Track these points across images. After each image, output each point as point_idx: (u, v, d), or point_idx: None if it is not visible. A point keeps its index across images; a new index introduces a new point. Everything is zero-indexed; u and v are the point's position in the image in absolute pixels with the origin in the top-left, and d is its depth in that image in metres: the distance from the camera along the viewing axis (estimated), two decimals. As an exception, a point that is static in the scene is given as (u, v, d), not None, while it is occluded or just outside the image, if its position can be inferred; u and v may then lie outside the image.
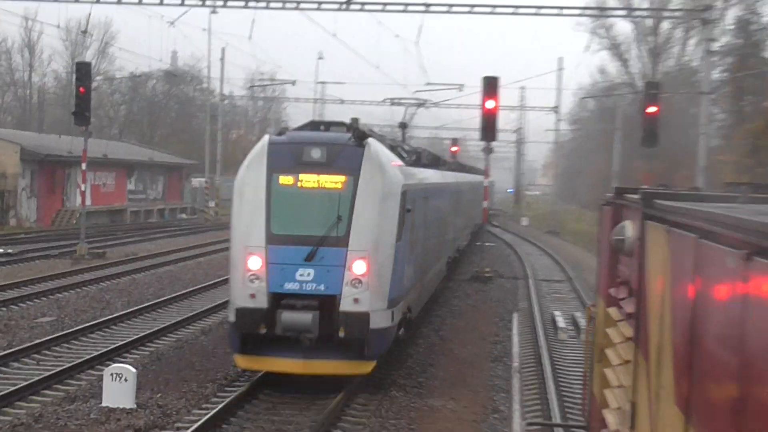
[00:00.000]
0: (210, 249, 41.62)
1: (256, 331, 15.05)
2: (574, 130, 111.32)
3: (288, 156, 15.77)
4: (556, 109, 72.72)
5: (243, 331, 15.27)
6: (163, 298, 25.32)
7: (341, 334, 14.81)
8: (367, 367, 15.15)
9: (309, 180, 15.57)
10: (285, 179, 15.63)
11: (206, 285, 28.57)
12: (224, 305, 24.51)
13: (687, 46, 69.66)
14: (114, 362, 16.53)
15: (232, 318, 15.54)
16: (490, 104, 32.45)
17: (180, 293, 26.50)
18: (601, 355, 6.00)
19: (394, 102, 40.89)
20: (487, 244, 44.95)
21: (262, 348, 15.28)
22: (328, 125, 17.94)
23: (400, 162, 18.34)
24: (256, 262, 15.39)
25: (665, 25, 70.11)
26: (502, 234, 61.10)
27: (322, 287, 15.02)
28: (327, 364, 15.08)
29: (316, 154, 15.65)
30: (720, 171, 47.94)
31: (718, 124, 63.55)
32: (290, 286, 15.07)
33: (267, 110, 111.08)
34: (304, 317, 14.60)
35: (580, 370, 16.05)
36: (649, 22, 69.05)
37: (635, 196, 5.13)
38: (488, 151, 34.88)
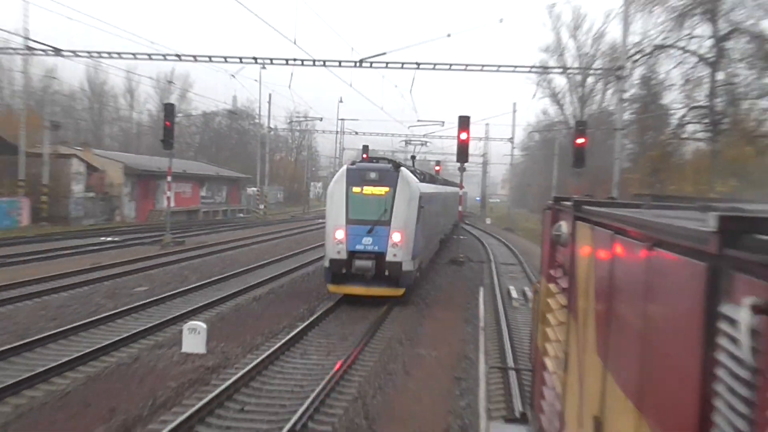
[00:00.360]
0: (260, 239, 41.63)
1: (340, 271, 20.16)
2: (524, 155, 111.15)
3: (357, 176, 20.80)
4: (511, 139, 72.80)
5: (333, 271, 20.25)
6: (225, 275, 25.34)
7: (386, 273, 20.06)
8: (400, 292, 20.33)
9: (369, 190, 20.67)
10: (356, 189, 20.64)
11: (257, 265, 28.58)
12: (270, 280, 24.59)
13: (606, 95, 69.56)
14: (190, 320, 16.57)
15: (326, 264, 20.38)
16: (463, 136, 32.42)
17: (237, 271, 26.52)
18: (543, 317, 6.01)
19: (408, 141, 47.45)
20: (461, 237, 45.00)
21: (343, 281, 20.31)
22: (378, 159, 23.66)
23: (416, 180, 22.93)
24: (340, 234, 20.26)
25: (590, 80, 70.03)
26: (472, 230, 61.09)
27: (376, 248, 20.13)
28: (379, 289, 20.22)
29: (372, 175, 20.79)
30: (629, 185, 47.90)
31: (628, 152, 63.38)
32: (359, 247, 20.15)
33: (301, 139, 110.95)
34: (367, 263, 20.01)
35: (528, 328, 16.07)
36: (579, 77, 68.98)
37: (569, 203, 5.14)
38: (462, 169, 34.81)
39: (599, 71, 56.55)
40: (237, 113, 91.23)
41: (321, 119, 78.58)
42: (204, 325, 14.97)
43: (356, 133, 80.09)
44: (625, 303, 3.09)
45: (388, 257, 20.04)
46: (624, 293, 3.12)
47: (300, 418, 10.55)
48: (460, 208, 37.46)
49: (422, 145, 44.36)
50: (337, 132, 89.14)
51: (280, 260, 31.11)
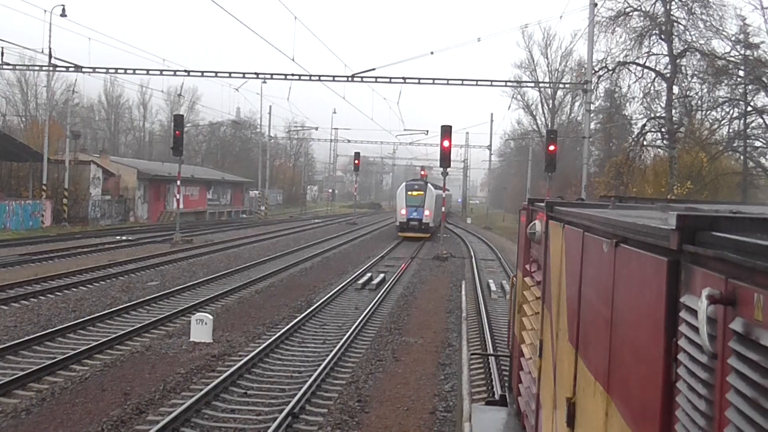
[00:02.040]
0: (261, 238, 41.51)
1: (404, 226, 43.98)
2: (501, 161, 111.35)
3: (410, 187, 45.19)
4: (489, 147, 72.79)
5: (400, 226, 44.49)
6: (229, 270, 25.26)
7: (422, 227, 43.69)
8: (428, 235, 43.06)
9: (415, 193, 44.35)
10: (409, 192, 44.33)
11: (259, 261, 28.51)
12: (271, 275, 24.53)
13: (574, 107, 69.75)
14: (198, 311, 16.50)
15: (397, 224, 45.24)
16: (446, 143, 32.49)
17: (241, 266, 26.44)
18: (519, 308, 6.00)
19: (424, 167, 64.83)
20: (444, 235, 45.06)
21: (404, 230, 43.67)
22: (418, 180, 48.30)
23: (433, 188, 45.70)
24: (403, 211, 43.91)
25: (560, 93, 70.18)
26: (454, 229, 61.15)
27: (418, 217, 43.95)
28: (419, 234, 43.30)
29: (416, 187, 45.23)
30: (596, 188, 47.99)
31: (594, 157, 63.53)
32: (411, 217, 44.06)
33: (299, 146, 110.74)
34: (415, 223, 43.79)
35: (506, 318, 16.08)
36: (549, 90, 69.12)
37: (542, 204, 5.13)
38: (445, 174, 34.87)
39: (568, 85, 56.71)
40: (240, 123, 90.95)
41: (317, 128, 78.69)
42: (210, 317, 14.91)
43: (348, 141, 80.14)
44: (594, 294, 3.08)
45: (424, 221, 44.04)
46: (593, 286, 3.11)
47: (298, 401, 10.51)
48: (443, 209, 37.51)
49: (431, 167, 64.80)
50: (331, 140, 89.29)
51: (280, 257, 31.06)
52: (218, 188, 69.52)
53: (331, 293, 20.88)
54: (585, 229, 3.34)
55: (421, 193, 45.31)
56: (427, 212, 44.83)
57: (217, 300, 19.39)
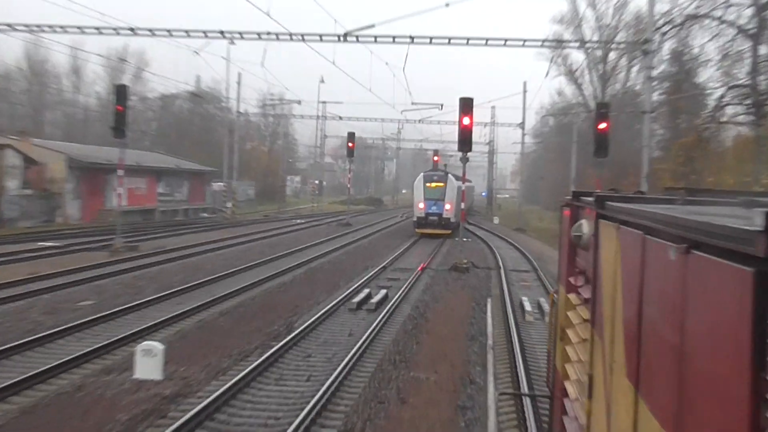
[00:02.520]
0: (228, 243, 41.57)
1: (422, 222, 51.47)
2: (537, 143, 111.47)
3: (428, 178, 52.77)
4: (521, 125, 72.57)
5: (417, 222, 51.95)
6: (187, 285, 25.27)
7: (443, 222, 51.06)
8: (449, 232, 49.72)
9: (434, 184, 51.65)
10: (428, 184, 51.73)
11: (225, 274, 28.53)
12: (241, 291, 24.57)
13: (631, 73, 69.81)
14: (145, 340, 16.50)
15: (414, 219, 52.57)
16: (466, 121, 32.48)
17: (202, 280, 26.46)
18: (562, 334, 5.98)
19: (437, 152, 71.71)
20: (465, 239, 45.10)
21: (422, 227, 51.23)
22: (438, 170, 56.72)
23: (455, 179, 52.15)
24: (421, 205, 51.46)
25: (612, 55, 70.22)
26: (477, 230, 61.18)
27: (438, 211, 51.23)
28: (439, 230, 50.62)
29: (435, 177, 52.85)
30: (660, 178, 48.01)
31: (658, 138, 63.60)
32: (430, 211, 51.40)
33: (276, 125, 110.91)
34: (434, 218, 51.22)
35: (544, 347, 16.07)
36: (599, 52, 69.14)
37: (590, 199, 5.11)
38: (465, 160, 34.87)
39: (622, 45, 56.71)
40: (201, 96, 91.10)
41: (299, 102, 78.68)
42: (161, 346, 14.90)
43: (340, 118, 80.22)
44: (659, 316, 3.07)
45: (444, 215, 50.02)
46: (657, 304, 3.10)
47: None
48: (462, 206, 37.59)
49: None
50: (317, 117, 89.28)
51: (252, 268, 31.08)
52: (172, 179, 69.64)
53: (317, 315, 20.89)
54: (646, 231, 3.33)
55: (441, 184, 52.29)
56: (447, 206, 52.03)
57: (171, 324, 19.40)
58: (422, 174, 54.97)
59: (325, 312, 21.54)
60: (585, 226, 5.18)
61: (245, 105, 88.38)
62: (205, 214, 71.23)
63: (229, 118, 77.58)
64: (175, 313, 20.29)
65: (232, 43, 65.05)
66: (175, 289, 24.29)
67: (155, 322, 19.14)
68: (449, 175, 54.31)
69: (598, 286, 4.51)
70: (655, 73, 39.67)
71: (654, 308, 3.17)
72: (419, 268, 32.64)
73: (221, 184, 73.76)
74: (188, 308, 21.14)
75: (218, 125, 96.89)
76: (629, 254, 3.68)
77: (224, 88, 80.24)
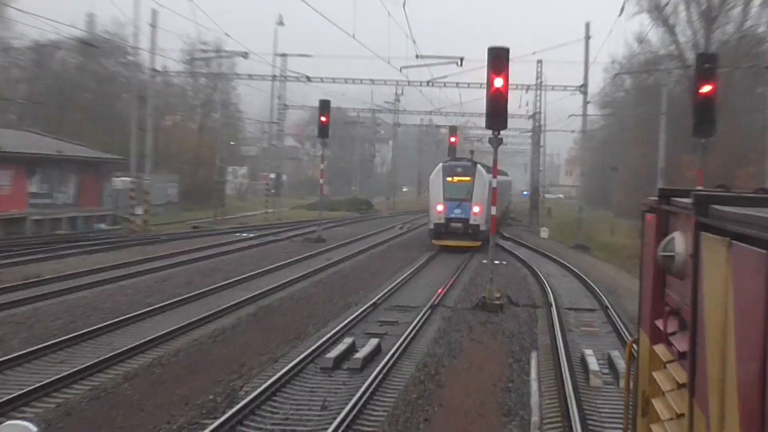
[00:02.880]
0: (136, 269, 41.45)
1: (441, 230, 57.20)
2: (606, 115, 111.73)
3: (450, 170, 58.81)
4: (582, 88, 72.46)
5: (435, 230, 57.63)
6: (74, 333, 25.12)
7: (469, 231, 56.64)
8: (478, 244, 55.21)
9: (457, 179, 57.83)
10: (449, 179, 57.83)
11: (130, 316, 28.39)
12: (156, 342, 24.49)
13: (750, 8, 69.90)
14: (9, 419, 16.40)
15: (431, 226, 58.32)
16: (498, 82, 32.53)
17: (96, 326, 26.32)
18: (645, 406, 5.96)
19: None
20: (502, 262, 45.04)
21: (442, 237, 57.41)
22: (462, 159, 64.25)
23: (485, 171, 55.91)
24: (440, 207, 56.91)
25: (723, -20, 70.31)
26: (515, 249, 61.16)
27: (463, 215, 56.82)
28: (465, 242, 56.45)
29: (459, 169, 58.92)
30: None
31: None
32: (452, 216, 56.83)
33: (211, 90, 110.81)
34: (458, 225, 56.87)
35: (619, 426, 16.05)
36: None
37: (686, 201, 5.10)
38: (496, 142, 34.89)
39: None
40: (95, 45, 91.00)
41: (246, 55, 78.45)
42: (34, 428, 14.81)
43: (308, 78, 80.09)
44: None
45: (471, 221, 54.48)
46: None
47: None
48: (493, 211, 37.52)
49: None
50: (273, 78, 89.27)
51: (174, 306, 31.00)
52: (52, 173, 69.55)
53: (274, 377, 20.83)
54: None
55: (467, 179, 58.04)
56: (476, 208, 57.00)
57: (50, 393, 19.31)
58: (441, 165, 60.17)
59: (286, 372, 21.46)
60: (679, 242, 5.17)
61: (164, 59, 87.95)
62: (103, 226, 71.15)
63: (139, 79, 77.40)
64: (56, 376, 20.19)
65: (144, -36, 65.01)
66: (56, 340, 24.18)
67: (25, 390, 19.05)
68: (478, 165, 58.63)
69: (699, 333, 4.49)
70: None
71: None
72: (439, 291, 37.67)
73: (127, 179, 73.65)
74: (76, 368, 21.04)
75: (122, 90, 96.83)
76: (747, 285, 3.65)
77: (131, 34, 79.97)
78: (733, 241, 3.94)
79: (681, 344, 5.10)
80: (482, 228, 53.69)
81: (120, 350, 23.28)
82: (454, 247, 55.60)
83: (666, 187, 6.02)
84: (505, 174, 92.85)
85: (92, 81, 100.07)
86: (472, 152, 69.89)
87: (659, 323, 5.73)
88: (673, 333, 5.41)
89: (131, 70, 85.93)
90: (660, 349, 5.69)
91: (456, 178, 57.01)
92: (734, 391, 3.73)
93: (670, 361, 5.46)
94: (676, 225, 5.53)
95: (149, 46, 70.37)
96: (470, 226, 56.22)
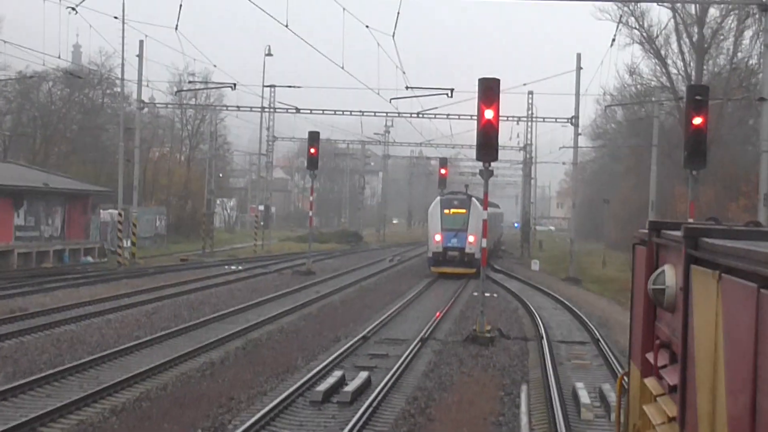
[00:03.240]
0: (123, 302, 41.34)
1: (439, 258, 63.87)
2: (598, 147, 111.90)
3: (447, 203, 66.11)
4: (573, 120, 72.51)
5: (433, 258, 64.42)
6: (60, 368, 25.05)
7: (465, 259, 62.87)
8: (473, 271, 58.71)
9: (453, 211, 64.69)
10: (446, 211, 64.71)
11: (117, 350, 28.31)
12: (144, 376, 24.44)
13: (742, 40, 70.13)
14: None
15: (430, 255, 65.33)
16: (488, 114, 32.57)
17: (82, 361, 26.26)
18: (636, 440, 5.97)
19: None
20: (493, 294, 44.96)
21: (440, 264, 63.92)
22: (458, 192, 72.16)
23: (479, 204, 56.04)
24: (438, 237, 63.64)
25: (714, 13, 70.58)
26: (506, 281, 61.15)
27: (459, 245, 63.63)
28: (461, 269, 62.76)
29: (455, 202, 66.01)
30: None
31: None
32: (449, 245, 63.49)
33: (199, 122, 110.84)
34: (455, 254, 63.66)
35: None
36: (694, 9, 69.54)
37: (677, 233, 5.12)
38: (487, 174, 34.92)
39: (729, -3, 57.15)
40: (81, 76, 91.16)
41: (234, 86, 78.35)
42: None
43: (297, 110, 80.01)
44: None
45: (467, 250, 60.38)
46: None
47: None
48: (484, 243, 37.53)
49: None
50: (262, 109, 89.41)
51: (162, 340, 30.95)
52: (38, 205, 69.43)
53: (263, 412, 20.80)
54: (763, 283, 3.33)
55: (463, 211, 64.88)
56: (471, 238, 63.11)
57: (37, 429, 19.23)
58: (439, 198, 69.09)
59: (275, 406, 21.44)
60: (670, 275, 5.20)
61: (151, 90, 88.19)
62: (90, 258, 71.00)
63: (127, 111, 77.43)
64: (42, 411, 20.12)
65: (132, -5, 65.14)
66: (42, 374, 24.11)
67: (10, 426, 18.94)
68: (473, 199, 65.84)
69: (690, 366, 4.51)
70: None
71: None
72: (437, 315, 41.27)
73: (114, 211, 73.57)
74: (62, 403, 20.98)
75: (109, 121, 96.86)
76: (737, 318, 3.68)
77: (118, 65, 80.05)
78: (724, 275, 3.96)
79: (671, 377, 5.13)
80: (477, 256, 56.15)
81: (107, 384, 23.22)
82: (451, 274, 62.20)
83: (656, 220, 6.04)
84: (497, 206, 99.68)
85: (78, 113, 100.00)
86: (466, 186, 77.38)
87: (650, 356, 5.76)
88: (664, 366, 5.43)
89: (118, 101, 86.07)
90: (650, 382, 5.71)
91: (453, 211, 64.53)
92: (724, 424, 3.75)
93: (660, 395, 5.48)
94: (667, 258, 5.55)
95: (136, 78, 70.30)
96: (466, 255, 62.94)
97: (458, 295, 51.26)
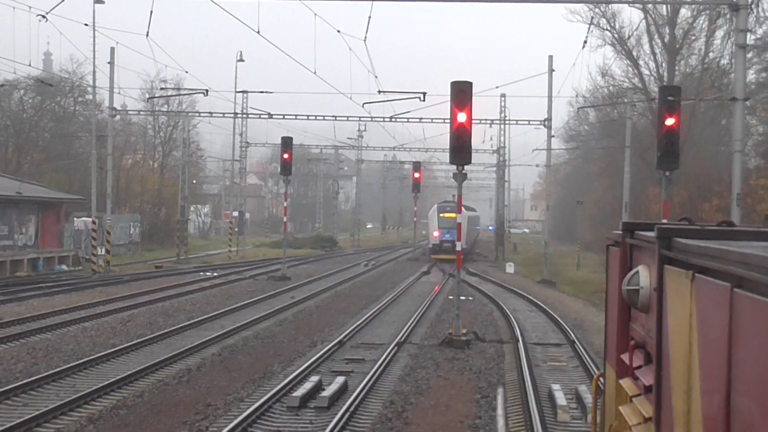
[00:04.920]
0: (98, 310, 41.20)
1: (437, 249, 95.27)
2: (571, 149, 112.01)
3: (442, 209, 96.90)
4: (546, 122, 72.51)
5: (433, 249, 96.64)
6: (36, 376, 24.96)
7: (456, 249, 42.56)
8: (458, 258, 39.18)
9: (447, 215, 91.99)
10: (441, 215, 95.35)
11: (93, 358, 28.23)
12: (120, 384, 24.37)
13: (713, 40, 70.40)
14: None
15: (430, 246, 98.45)
16: (461, 117, 32.54)
17: (59, 369, 26.17)
18: (612, 440, 5.99)
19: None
20: (465, 298, 44.97)
21: (437, 253, 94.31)
22: (449, 201, 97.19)
23: (466, 210, 73.90)
24: (436, 233, 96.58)
25: (685, 13, 70.84)
26: (481, 284, 61.14)
27: (451, 238, 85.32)
28: (452, 256, 71.76)
29: (448, 208, 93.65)
30: (761, 200, 48.37)
31: (758, 138, 64.20)
32: (444, 239, 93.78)
33: (172, 128, 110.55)
34: (448, 245, 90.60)
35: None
36: (665, 8, 69.76)
37: (650, 234, 5.13)
38: (461, 178, 34.92)
39: (700, -2, 57.38)
40: (52, 84, 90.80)
41: (206, 92, 78.15)
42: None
43: (270, 115, 79.89)
44: (759, 411, 3.08)
45: (457, 245, 45.70)
46: (758, 395, 3.11)
47: None
48: (458, 246, 37.57)
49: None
50: (235, 115, 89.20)
51: (137, 347, 30.85)
52: (9, 213, 69.17)
53: (240, 418, 20.77)
54: (736, 282, 3.35)
55: (454, 215, 71.66)
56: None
57: (12, 437, 19.20)
58: (436, 205, 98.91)
59: (252, 412, 21.42)
60: (643, 275, 5.21)
61: (123, 97, 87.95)
62: (64, 267, 70.68)
63: (99, 119, 77.15)
64: (18, 420, 20.04)
65: (101, 1, 64.92)
66: (18, 383, 24.02)
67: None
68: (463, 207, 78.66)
69: (664, 366, 4.52)
70: (751, 39, 40.10)
71: (752, 398, 3.19)
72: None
73: (88, 219, 73.29)
74: (39, 411, 20.92)
75: (81, 129, 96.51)
76: (711, 318, 3.69)
77: (89, 72, 79.90)
78: (697, 275, 3.97)
79: (646, 378, 5.14)
80: (464, 246, 66.34)
81: (83, 392, 23.15)
82: (445, 259, 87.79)
83: (630, 221, 6.05)
84: (474, 210, 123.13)
85: (50, 121, 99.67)
86: (453, 196, 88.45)
87: (625, 357, 5.77)
88: (639, 367, 5.44)
89: (90, 109, 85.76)
90: (626, 383, 5.73)
91: (446, 214, 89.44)
92: (699, 424, 3.76)
93: (635, 395, 5.50)
94: (641, 259, 5.57)
95: (108, 85, 70.03)
96: (455, 246, 71.18)
97: (434, 298, 51.29)
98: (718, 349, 3.52)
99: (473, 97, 32.95)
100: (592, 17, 69.01)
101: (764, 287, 3.04)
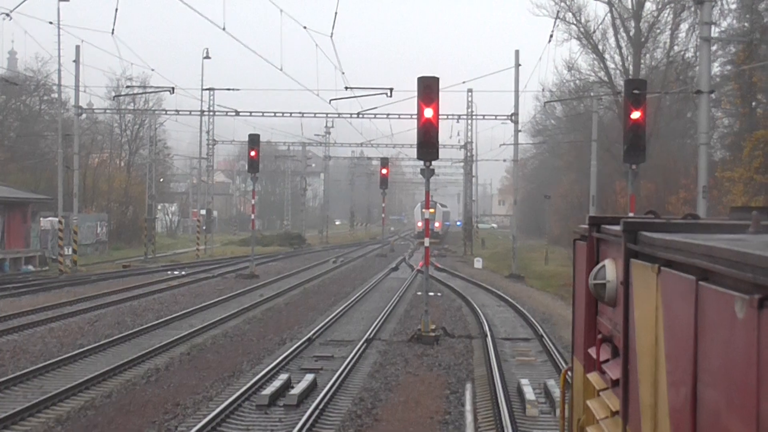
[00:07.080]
0: (67, 311, 41.04)
1: (421, 234, 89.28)
2: (538, 143, 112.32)
3: (424, 205, 43.54)
4: (513, 117, 72.53)
5: (417, 236, 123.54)
6: (3, 378, 24.81)
7: (434, 235, 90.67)
8: (437, 241, 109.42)
9: (429, 210, 42.02)
10: (424, 210, 47.60)
11: (62, 358, 28.12)
12: (87, 385, 24.30)
13: (678, 33, 70.69)
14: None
15: (415, 233, 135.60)
16: (428, 113, 32.57)
17: (27, 370, 26.06)
18: (580, 434, 5.99)
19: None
20: (437, 294, 44.98)
21: (421, 237, 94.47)
22: (432, 201, 60.21)
23: (442, 206, 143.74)
24: (420, 224, 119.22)
25: (650, 6, 71.09)
26: (449, 280, 61.23)
27: (432, 227, 57.10)
28: (434, 240, 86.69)
29: (431, 206, 50.82)
30: (726, 192, 48.47)
31: (723, 131, 64.46)
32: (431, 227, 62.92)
33: (138, 126, 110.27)
34: (436, 231, 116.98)
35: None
36: (630, 2, 70.00)
37: (616, 228, 5.14)
38: (428, 174, 34.92)
39: (665, -9, 57.57)
40: (17, 83, 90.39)
41: (172, 90, 77.96)
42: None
43: (237, 113, 79.69)
44: (726, 403, 3.08)
45: (435, 230, 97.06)
46: (723, 388, 3.11)
47: None
48: (426, 243, 37.61)
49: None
50: (201, 113, 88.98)
51: (105, 348, 30.78)
52: (-24, 214, 68.79)
53: (209, 417, 20.73)
54: (702, 275, 3.35)
55: (433, 210, 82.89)
56: (437, 224, 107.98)
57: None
58: (420, 203, 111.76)
59: (222, 411, 21.38)
60: (610, 269, 5.21)
61: (89, 96, 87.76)
62: (31, 267, 70.41)
63: (65, 117, 76.81)
64: (-15, 423, 19.97)
65: None
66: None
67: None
68: (438, 203, 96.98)
69: (632, 360, 4.52)
70: (716, 32, 40.26)
71: (718, 392, 3.18)
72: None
73: (55, 219, 72.99)
74: (6, 414, 20.78)
75: (47, 128, 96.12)
76: (677, 311, 3.70)
77: (55, 71, 79.39)
78: (663, 268, 3.97)
79: (613, 372, 5.14)
80: (440, 233, 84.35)
81: (51, 393, 23.05)
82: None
83: (596, 215, 6.07)
84: (445, 206, 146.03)
85: (16, 120, 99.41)
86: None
87: (592, 351, 5.78)
88: (606, 361, 5.45)
89: (55, 107, 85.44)
90: (593, 377, 5.73)
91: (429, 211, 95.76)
92: (666, 417, 3.76)
93: (603, 389, 5.50)
94: (607, 252, 5.57)
95: (73, 83, 69.78)
96: (434, 233, 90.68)
97: (403, 294, 51.35)
98: (684, 342, 3.52)
99: (440, 93, 32.98)
100: (558, 11, 69.21)
101: (729, 280, 3.04)
